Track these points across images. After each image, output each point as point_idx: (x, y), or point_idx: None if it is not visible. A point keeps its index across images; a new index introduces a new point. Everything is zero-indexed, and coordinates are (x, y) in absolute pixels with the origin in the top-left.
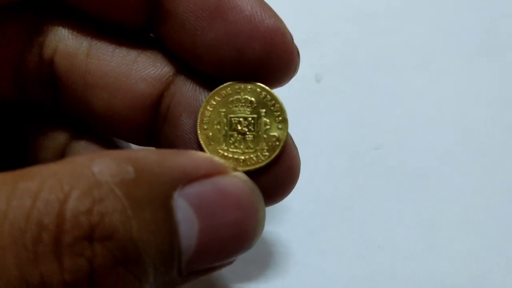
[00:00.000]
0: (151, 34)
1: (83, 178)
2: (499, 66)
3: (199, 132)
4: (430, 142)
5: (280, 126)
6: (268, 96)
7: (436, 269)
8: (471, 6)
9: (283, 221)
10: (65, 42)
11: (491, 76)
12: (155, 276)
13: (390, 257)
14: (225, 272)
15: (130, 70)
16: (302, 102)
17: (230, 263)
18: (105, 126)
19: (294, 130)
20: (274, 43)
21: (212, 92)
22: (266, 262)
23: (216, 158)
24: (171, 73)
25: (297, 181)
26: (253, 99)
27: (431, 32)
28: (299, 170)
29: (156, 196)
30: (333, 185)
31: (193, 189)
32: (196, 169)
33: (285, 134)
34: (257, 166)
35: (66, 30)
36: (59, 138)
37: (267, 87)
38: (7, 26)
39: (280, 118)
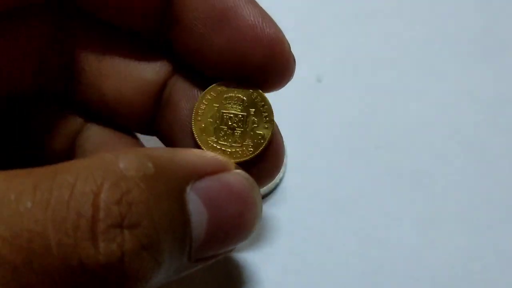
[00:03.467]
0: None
1: (112, 172)
2: (498, 67)
3: (193, 123)
4: (429, 142)
5: (266, 126)
6: (258, 97)
7: (435, 265)
8: (469, 7)
9: (283, 218)
10: (85, 38)
11: (490, 76)
12: (170, 260)
13: (389, 254)
14: (219, 266)
15: (139, 60)
16: (303, 102)
17: (231, 251)
18: (114, 113)
19: (295, 129)
20: (274, 50)
21: (208, 88)
22: (265, 259)
23: (221, 157)
24: (175, 65)
25: (281, 165)
26: (245, 98)
27: (431, 33)
28: (282, 163)
29: (172, 189)
30: (332, 184)
31: (203, 184)
32: (205, 166)
33: (270, 133)
34: (242, 159)
35: (85, 27)
36: (70, 126)
37: (258, 89)
38: (31, 22)
39: (267, 118)
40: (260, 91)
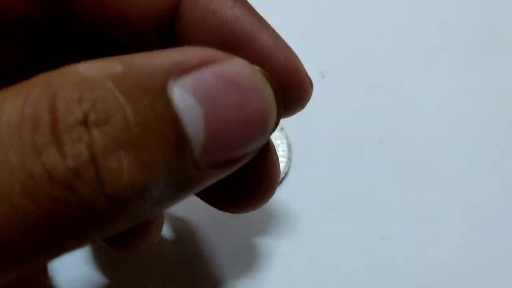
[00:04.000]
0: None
1: (70, 76)
2: (502, 62)
3: None
4: (433, 137)
5: None
6: None
7: (439, 261)
8: (474, 3)
9: (287, 213)
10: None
11: (494, 71)
12: (167, 166)
13: (393, 249)
14: (226, 262)
15: None
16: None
17: (252, 154)
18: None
19: (299, 125)
20: (291, 81)
21: None
22: (269, 253)
23: (211, 49)
24: None
25: (276, 187)
26: None
27: (435, 28)
28: (279, 177)
29: (149, 86)
30: (337, 179)
31: (189, 77)
32: (190, 59)
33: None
34: None
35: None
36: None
37: None
38: (22, 29)
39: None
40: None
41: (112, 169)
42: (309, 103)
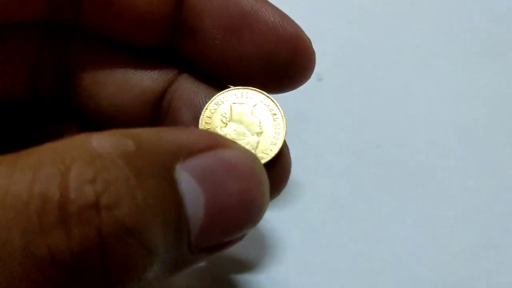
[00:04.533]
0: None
1: (83, 151)
2: (500, 66)
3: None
4: (430, 141)
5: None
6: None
7: (436, 265)
8: (472, 6)
9: (284, 218)
10: (80, 46)
11: (491, 75)
12: (165, 249)
13: (390, 254)
14: (225, 266)
15: (137, 67)
16: (303, 101)
17: (240, 239)
18: (110, 121)
19: (295, 128)
20: (297, 49)
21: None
22: (266, 258)
23: (215, 132)
24: (175, 72)
25: (287, 181)
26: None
27: (432, 32)
28: (290, 170)
29: (158, 167)
30: (333, 183)
31: (195, 161)
32: (196, 142)
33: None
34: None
35: (82, 36)
36: (66, 135)
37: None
38: (25, 30)
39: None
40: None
41: (118, 256)
42: (305, 106)
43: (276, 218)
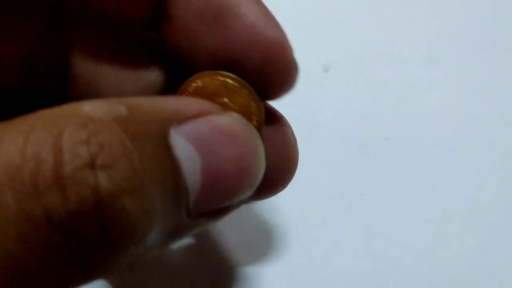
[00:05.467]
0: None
1: (75, 116)
2: (507, 60)
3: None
4: (438, 134)
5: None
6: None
7: (444, 262)
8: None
9: (290, 213)
10: (79, 38)
11: (499, 68)
12: (163, 214)
13: (398, 250)
14: (229, 264)
15: (140, 61)
16: (310, 93)
17: (238, 205)
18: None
19: (302, 120)
20: (273, 56)
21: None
22: (271, 254)
23: (208, 101)
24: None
25: (295, 172)
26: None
27: (439, 24)
28: (297, 160)
29: (152, 132)
30: (340, 177)
31: (189, 126)
32: (189, 108)
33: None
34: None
35: (80, 27)
36: None
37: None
38: (22, 19)
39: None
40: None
41: (116, 216)
42: (312, 98)
43: (280, 212)
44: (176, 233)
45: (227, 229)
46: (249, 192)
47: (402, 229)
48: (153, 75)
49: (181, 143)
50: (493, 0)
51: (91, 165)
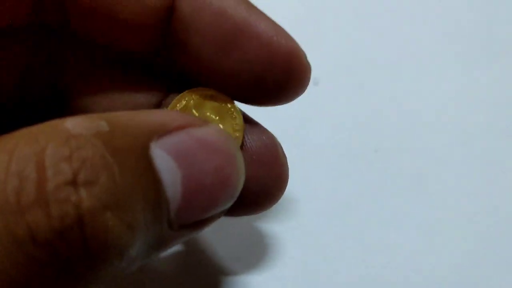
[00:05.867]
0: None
1: (57, 132)
2: (499, 69)
3: None
4: (429, 145)
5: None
6: (232, 109)
7: (436, 271)
8: (470, 8)
9: (282, 222)
10: (74, 54)
11: (490, 79)
12: (146, 226)
13: (390, 259)
14: (222, 274)
15: (131, 82)
16: (300, 105)
17: (219, 216)
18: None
19: (292, 133)
20: (292, 65)
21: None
22: (263, 263)
23: (188, 114)
24: (169, 85)
25: (285, 189)
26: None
27: (430, 35)
28: (287, 178)
29: (133, 146)
30: (331, 188)
31: (169, 139)
32: (170, 122)
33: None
34: None
35: (74, 48)
36: None
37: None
38: (12, 35)
39: (237, 128)
40: (235, 105)
41: (98, 231)
42: (302, 111)
43: (273, 224)
44: (159, 244)
45: (219, 238)
46: (229, 203)
47: (393, 239)
48: (146, 96)
49: (162, 156)
50: (483, 10)
51: (73, 182)
